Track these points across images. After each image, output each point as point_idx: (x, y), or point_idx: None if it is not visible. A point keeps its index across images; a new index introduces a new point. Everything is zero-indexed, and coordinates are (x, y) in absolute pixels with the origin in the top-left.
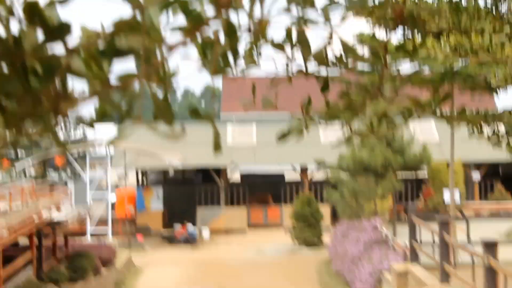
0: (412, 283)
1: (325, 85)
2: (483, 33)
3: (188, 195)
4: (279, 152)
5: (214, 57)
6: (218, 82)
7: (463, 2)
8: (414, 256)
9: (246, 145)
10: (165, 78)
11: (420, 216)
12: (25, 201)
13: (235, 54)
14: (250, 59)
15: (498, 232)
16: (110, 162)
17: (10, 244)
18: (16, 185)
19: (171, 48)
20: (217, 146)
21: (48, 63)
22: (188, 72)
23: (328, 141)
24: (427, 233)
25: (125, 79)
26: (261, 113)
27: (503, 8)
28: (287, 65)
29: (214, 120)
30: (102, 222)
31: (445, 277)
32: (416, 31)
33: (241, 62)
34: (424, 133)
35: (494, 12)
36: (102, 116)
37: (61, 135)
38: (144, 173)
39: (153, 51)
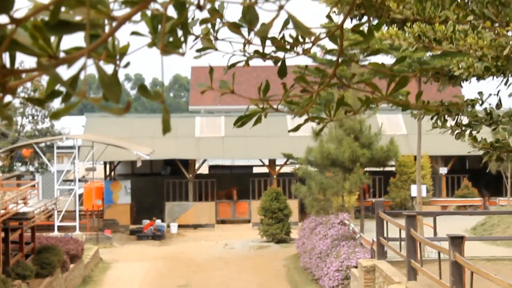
0: (379, 280)
1: (282, 68)
2: (446, 22)
3: (156, 188)
4: (248, 145)
5: (163, 33)
6: (187, 74)
7: None
8: (381, 252)
9: (214, 137)
10: (114, 54)
11: (388, 212)
12: None
13: (185, 30)
14: (208, 42)
15: (465, 227)
16: (77, 155)
17: None
18: None
19: (119, 22)
20: (166, 125)
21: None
22: (141, 52)
23: (296, 134)
24: (395, 228)
25: (71, 53)
26: (230, 106)
27: None
28: (244, 46)
29: (163, 99)
30: (70, 216)
31: (412, 273)
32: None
33: (196, 42)
34: (392, 126)
35: (458, 1)
36: (51, 92)
37: (29, 125)
38: (112, 166)
39: (101, 25)
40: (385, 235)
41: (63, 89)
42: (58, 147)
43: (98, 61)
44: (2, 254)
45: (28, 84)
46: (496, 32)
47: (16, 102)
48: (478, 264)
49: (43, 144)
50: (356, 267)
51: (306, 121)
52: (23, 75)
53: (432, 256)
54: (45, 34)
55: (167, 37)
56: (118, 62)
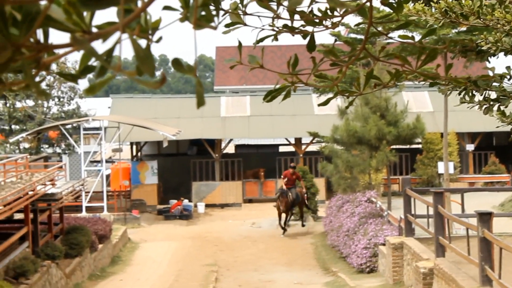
0: (407, 257)
1: (310, 41)
2: None
3: (183, 168)
4: (273, 124)
5: (195, 6)
6: (212, 54)
7: None
8: (409, 230)
9: (240, 117)
10: (146, 29)
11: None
12: (19, 175)
13: (217, 3)
14: (236, 17)
15: (493, 203)
16: (104, 136)
17: (5, 220)
18: (10, 159)
19: None
20: (200, 98)
21: (28, 9)
22: (172, 29)
23: (322, 112)
24: (422, 205)
25: (105, 27)
26: (255, 86)
27: None
28: (272, 20)
29: (196, 73)
30: (97, 196)
31: (440, 249)
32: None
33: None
34: (418, 103)
35: None
36: (85, 67)
37: (55, 107)
38: (138, 147)
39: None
40: (413, 212)
41: (96, 64)
42: (85, 129)
43: (132, 35)
44: (31, 235)
45: (54, 66)
46: None
47: (42, 84)
48: (506, 240)
49: (69, 126)
50: (384, 244)
51: (336, 94)
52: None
53: (460, 232)
54: (79, 10)
55: (199, 10)
56: (150, 37)
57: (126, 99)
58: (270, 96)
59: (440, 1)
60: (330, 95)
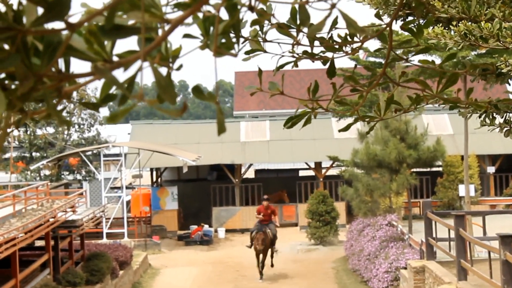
0: (429, 280)
1: (331, 67)
2: (492, 20)
3: (203, 194)
4: (293, 148)
5: (215, 34)
6: (231, 79)
7: None
8: (430, 253)
9: (259, 141)
10: (167, 57)
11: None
12: (40, 202)
13: (237, 31)
14: (256, 44)
15: None
16: (124, 162)
17: (26, 247)
18: (31, 187)
19: (172, 25)
20: (221, 126)
21: (49, 40)
22: (192, 56)
23: (341, 136)
24: (443, 229)
25: (126, 56)
26: (274, 111)
27: None
28: (292, 47)
29: (217, 100)
30: (118, 223)
31: (462, 273)
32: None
33: (245, 44)
34: (438, 126)
35: None
36: (106, 96)
37: (75, 134)
38: (158, 173)
39: (154, 28)
40: (434, 236)
41: (116, 92)
42: (105, 155)
43: (153, 63)
44: (52, 262)
45: (74, 93)
46: None
47: (63, 111)
48: None
49: (89, 153)
50: (405, 268)
51: (356, 120)
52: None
53: (482, 255)
54: (100, 39)
55: (220, 38)
56: (171, 65)
57: (146, 125)
58: (291, 122)
59: (459, 24)
60: (350, 119)
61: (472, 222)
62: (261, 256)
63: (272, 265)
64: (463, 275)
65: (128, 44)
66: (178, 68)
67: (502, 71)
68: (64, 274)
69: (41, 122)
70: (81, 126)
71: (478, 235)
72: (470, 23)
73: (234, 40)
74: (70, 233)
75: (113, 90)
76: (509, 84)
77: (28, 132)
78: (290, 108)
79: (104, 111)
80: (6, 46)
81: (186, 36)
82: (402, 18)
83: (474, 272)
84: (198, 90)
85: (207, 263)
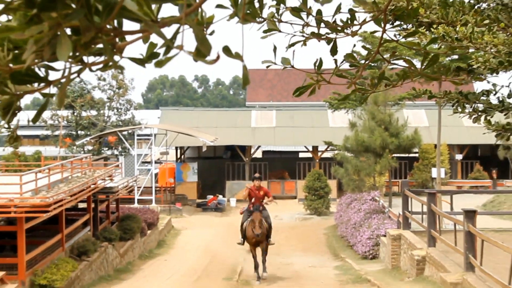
0: (404, 246)
1: (333, 46)
2: (466, 25)
3: (218, 169)
4: (295, 134)
5: (244, 4)
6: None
7: None
8: (406, 224)
9: (267, 127)
10: (202, 23)
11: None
12: (84, 172)
13: (261, 2)
14: (272, 24)
15: (476, 204)
16: (154, 141)
17: (71, 208)
18: (76, 158)
19: None
20: (245, 79)
21: (107, 1)
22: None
23: (335, 125)
24: (418, 204)
25: (170, 18)
26: (280, 103)
27: (483, 5)
28: (302, 27)
29: (243, 58)
30: (147, 191)
31: (432, 241)
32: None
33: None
34: (415, 119)
35: (475, 7)
36: (151, 54)
37: (114, 117)
38: (182, 151)
39: None
40: (410, 210)
41: (159, 51)
42: (138, 135)
43: (193, 22)
44: (92, 221)
45: (114, 83)
46: (508, 33)
47: (104, 97)
48: (487, 234)
49: (125, 132)
50: (384, 235)
51: (353, 92)
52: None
53: (449, 227)
54: (148, 2)
55: (246, 7)
56: (205, 30)
57: (173, 111)
58: (299, 91)
59: (439, 27)
60: (343, 111)
61: (442, 199)
62: (258, 250)
63: (264, 263)
64: (432, 243)
65: (169, 10)
66: (211, 33)
67: (473, 67)
68: (101, 231)
69: (86, 105)
70: (119, 110)
71: (446, 210)
72: (448, 27)
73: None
74: (107, 197)
75: (157, 48)
76: (482, 80)
77: (75, 114)
78: (294, 101)
79: (138, 98)
80: (73, 5)
81: (218, 6)
82: (390, 22)
83: (441, 240)
84: (227, 49)
85: (220, 226)
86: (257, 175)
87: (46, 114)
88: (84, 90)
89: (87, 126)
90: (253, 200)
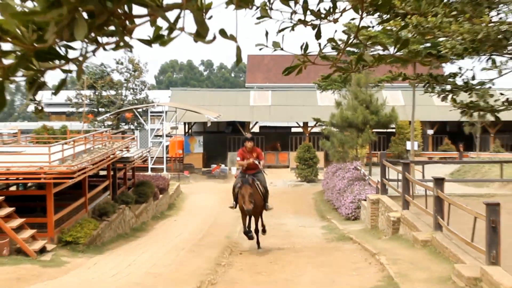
0: (381, 209)
1: (318, 32)
2: (436, 15)
3: (221, 142)
4: (288, 111)
5: None
6: (245, 60)
7: None
8: (383, 190)
9: (264, 106)
10: (201, 8)
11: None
12: (104, 144)
13: None
14: (264, 11)
15: (444, 173)
16: (165, 117)
17: (93, 175)
18: (97, 132)
19: None
20: (239, 58)
21: None
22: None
23: (323, 104)
24: (394, 172)
25: (173, 4)
26: (274, 84)
27: None
28: (291, 15)
29: (236, 40)
30: (159, 160)
31: (406, 204)
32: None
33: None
34: (393, 99)
35: (445, 0)
36: (157, 35)
37: (130, 96)
38: (189, 126)
39: None
40: (387, 177)
41: (163, 33)
42: (151, 112)
43: (193, 7)
44: (111, 186)
45: (130, 66)
46: (472, 23)
47: (122, 78)
48: (453, 198)
49: (140, 110)
50: (365, 200)
51: (335, 71)
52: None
53: (420, 192)
54: None
55: None
56: (204, 14)
57: (182, 91)
58: (287, 71)
59: (412, 18)
60: (330, 92)
61: (415, 168)
62: (253, 219)
63: (264, 231)
64: (406, 206)
65: None
66: (209, 18)
67: (441, 53)
68: (119, 195)
69: (106, 86)
70: (134, 90)
71: (418, 178)
72: (420, 17)
73: None
74: (124, 166)
75: (162, 31)
76: (450, 62)
77: (96, 93)
78: (286, 82)
79: (151, 80)
80: None
81: None
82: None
83: (414, 204)
84: (223, 32)
85: (222, 191)
86: (248, 135)
87: (71, 94)
88: (104, 73)
89: (107, 104)
90: (244, 163)
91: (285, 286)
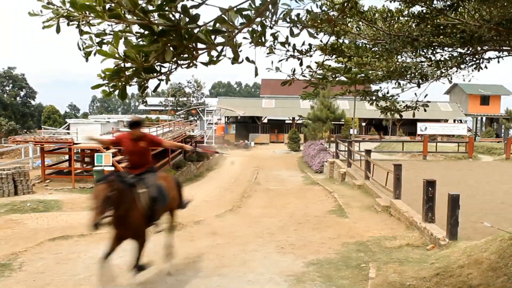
0: (335, 167)
1: (300, 63)
2: (368, 57)
3: (246, 128)
4: (284, 111)
5: (256, 37)
6: (258, 80)
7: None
8: (337, 156)
9: (270, 108)
10: (236, 45)
11: (340, 140)
12: (179, 126)
13: (264, 34)
14: (271, 50)
15: (371, 147)
16: (214, 113)
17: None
18: (176, 120)
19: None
20: (256, 73)
21: (189, 33)
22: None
23: (304, 107)
24: (343, 147)
25: (221, 42)
26: (277, 95)
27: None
28: (286, 52)
29: (255, 63)
30: (210, 138)
31: (349, 164)
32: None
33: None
34: (343, 104)
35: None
36: (211, 59)
37: (194, 101)
38: (228, 118)
39: (230, 29)
40: (339, 149)
41: (214, 59)
42: (206, 110)
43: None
44: (183, 152)
45: (195, 83)
46: (387, 62)
47: (190, 90)
48: (376, 162)
49: (200, 108)
50: (326, 162)
51: (310, 86)
52: None
53: (357, 158)
54: (210, 34)
55: (257, 39)
56: (237, 48)
57: (224, 98)
58: (284, 83)
59: (354, 58)
60: (308, 100)
61: (354, 144)
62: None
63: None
64: (349, 165)
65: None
66: (240, 50)
67: (370, 78)
68: (187, 157)
69: (181, 95)
70: (197, 98)
71: (356, 149)
72: (358, 58)
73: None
74: (190, 140)
75: (213, 58)
76: (375, 84)
77: (176, 99)
78: (283, 94)
79: (207, 92)
80: (174, 35)
81: (245, 38)
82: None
83: (354, 164)
84: (248, 59)
85: (246, 156)
86: (134, 117)
87: (162, 99)
88: (181, 88)
89: (182, 105)
90: (123, 158)
91: (280, 208)
